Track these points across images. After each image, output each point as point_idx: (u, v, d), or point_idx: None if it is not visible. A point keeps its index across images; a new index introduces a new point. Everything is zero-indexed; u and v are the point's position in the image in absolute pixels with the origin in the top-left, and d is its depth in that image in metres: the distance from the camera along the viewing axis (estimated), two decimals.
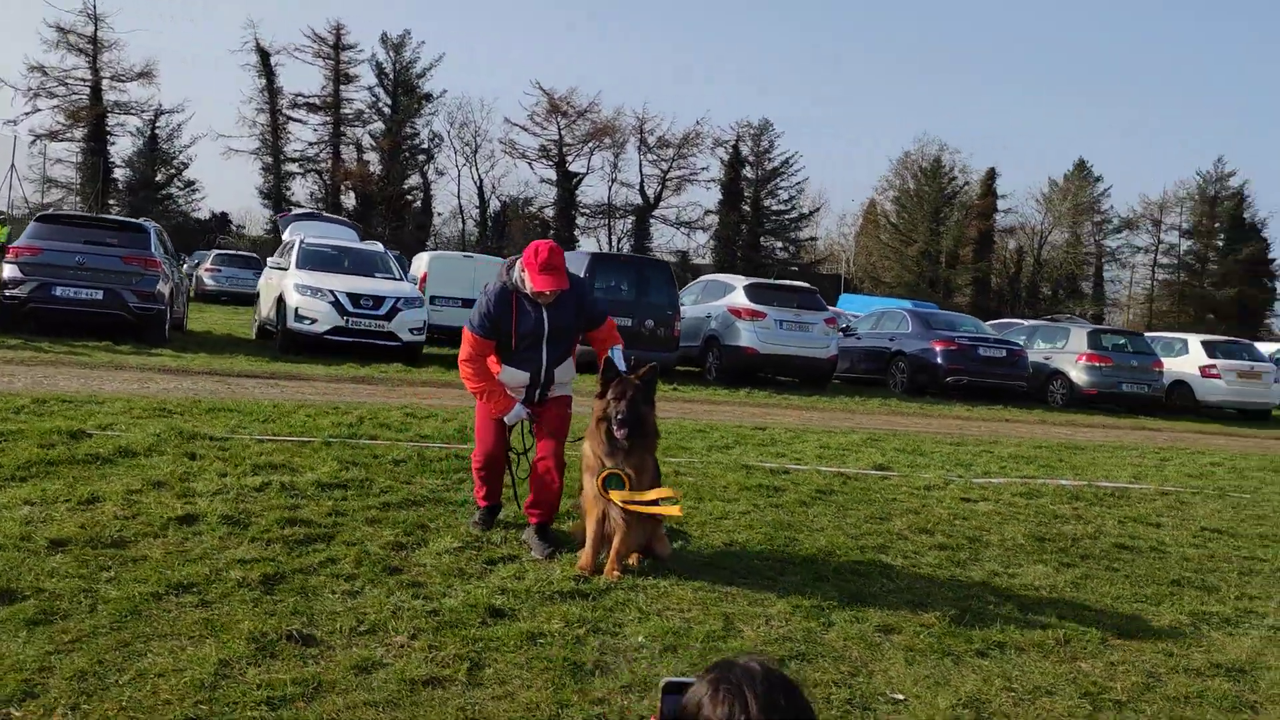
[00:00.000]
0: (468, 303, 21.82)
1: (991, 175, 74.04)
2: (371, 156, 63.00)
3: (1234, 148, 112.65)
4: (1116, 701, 4.47)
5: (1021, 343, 20.36)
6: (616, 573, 5.41)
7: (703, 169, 68.50)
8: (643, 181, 65.88)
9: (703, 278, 20.38)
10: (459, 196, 65.36)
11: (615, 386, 5.47)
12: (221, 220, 62.66)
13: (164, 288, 15.36)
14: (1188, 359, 21.32)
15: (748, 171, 70.95)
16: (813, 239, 76.65)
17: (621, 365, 5.71)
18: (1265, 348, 24.59)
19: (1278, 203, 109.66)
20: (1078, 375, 19.87)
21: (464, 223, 65.01)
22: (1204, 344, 21.70)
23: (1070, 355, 20.20)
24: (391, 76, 63.81)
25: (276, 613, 4.41)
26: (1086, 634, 5.27)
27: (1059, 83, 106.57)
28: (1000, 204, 74.69)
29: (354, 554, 5.26)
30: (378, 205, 60.17)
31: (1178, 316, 68.48)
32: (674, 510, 5.57)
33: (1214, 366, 20.88)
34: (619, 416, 5.37)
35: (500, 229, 60.27)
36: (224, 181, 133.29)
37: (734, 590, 5.35)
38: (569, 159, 63.77)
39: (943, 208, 73.05)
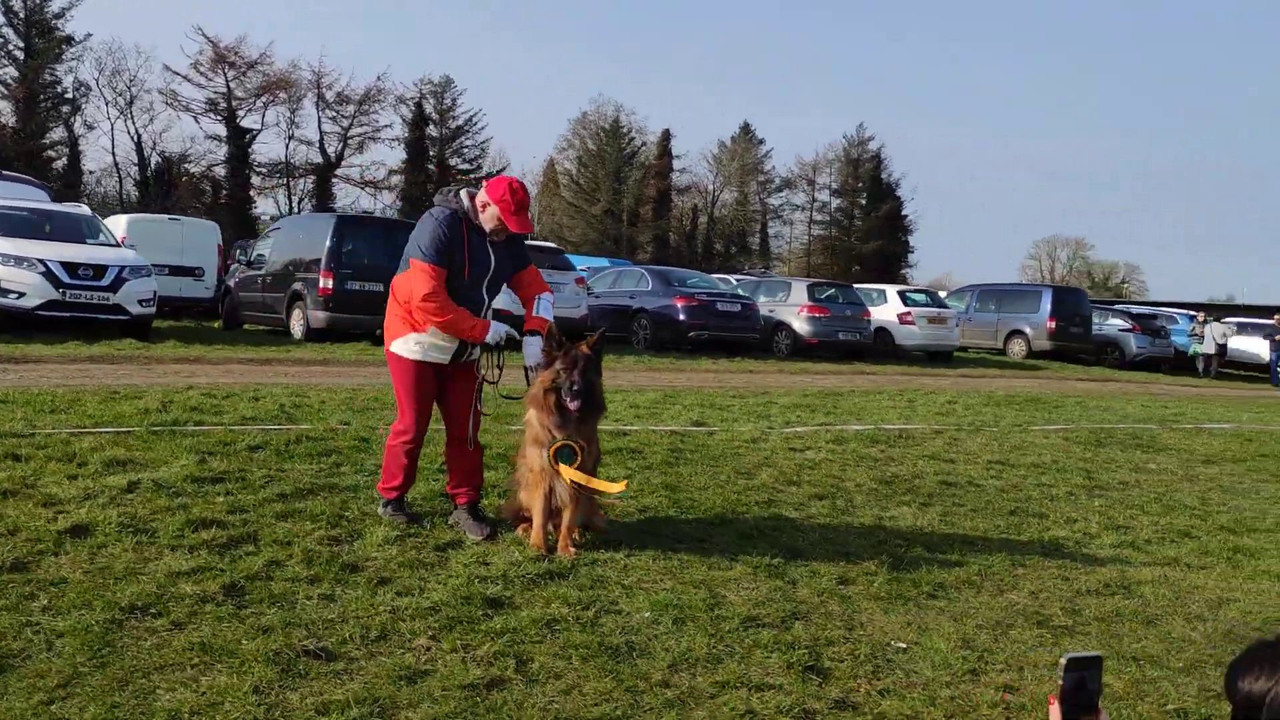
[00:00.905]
0: (177, 270, 19.98)
1: (667, 137, 77.22)
2: (3, 106, 55.42)
3: (872, 115, 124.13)
4: (1064, 628, 4.93)
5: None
6: (571, 550, 5.25)
7: (385, 126, 66.19)
8: (322, 139, 62.54)
9: None
10: (114, 152, 58.97)
11: (565, 355, 5.27)
12: None
13: None
14: (887, 308, 23.49)
15: (432, 130, 69.41)
16: None
17: (549, 314, 5.54)
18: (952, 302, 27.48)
19: (909, 165, 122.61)
20: (800, 326, 21.32)
21: (121, 181, 58.88)
22: (899, 293, 23.99)
23: (793, 308, 21.61)
24: (22, 16, 56.28)
25: (270, 628, 3.92)
26: (992, 567, 5.76)
27: (725, 53, 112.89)
28: (676, 164, 78.18)
29: (298, 554, 4.76)
30: (13, 162, 53.03)
31: (830, 269, 74.78)
32: (618, 486, 5.47)
33: (909, 314, 23.15)
34: (573, 387, 5.19)
35: (165, 188, 55.06)
36: None
37: (686, 557, 5.35)
38: (240, 114, 59.28)
39: (623, 167, 75.18)
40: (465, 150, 71.54)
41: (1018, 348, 27.40)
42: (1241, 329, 31.25)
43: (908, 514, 6.91)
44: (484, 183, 5.54)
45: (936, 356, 23.98)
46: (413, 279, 5.32)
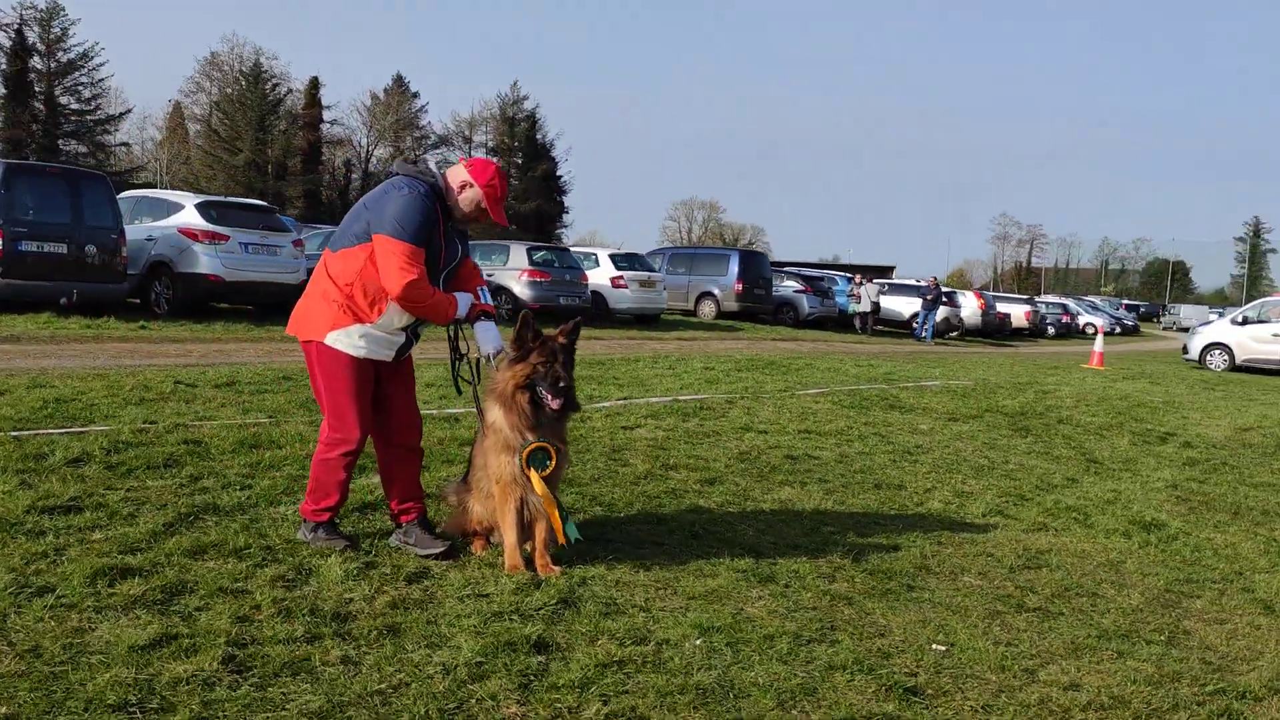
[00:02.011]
0: None
1: (315, 85, 72.94)
2: None
3: (526, 74, 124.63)
4: (1040, 610, 5.02)
5: None
6: (555, 568, 4.62)
7: None
8: None
9: (127, 193, 17.27)
10: None
11: (542, 347, 4.59)
12: None
13: None
14: (600, 271, 23.53)
15: (37, 62, 60.96)
16: (125, 144, 68.86)
17: (488, 299, 4.86)
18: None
19: (564, 125, 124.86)
20: (521, 291, 20.82)
21: None
22: (611, 257, 24.11)
23: (513, 272, 21.07)
24: None
25: (323, 715, 3.06)
26: (924, 549, 5.78)
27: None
28: (326, 115, 74.12)
29: (266, 604, 3.82)
30: None
31: (489, 228, 74.27)
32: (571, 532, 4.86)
33: (622, 278, 23.35)
34: (558, 383, 4.54)
35: None
36: None
37: (661, 566, 4.91)
38: None
39: (268, 116, 70.05)
40: (80, 89, 63.63)
41: (708, 309, 28.57)
42: (893, 290, 34.61)
43: (797, 495, 6.82)
44: (460, 160, 4.78)
45: (645, 319, 24.44)
46: (385, 261, 4.45)
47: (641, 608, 4.29)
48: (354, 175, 76.51)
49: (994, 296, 41.97)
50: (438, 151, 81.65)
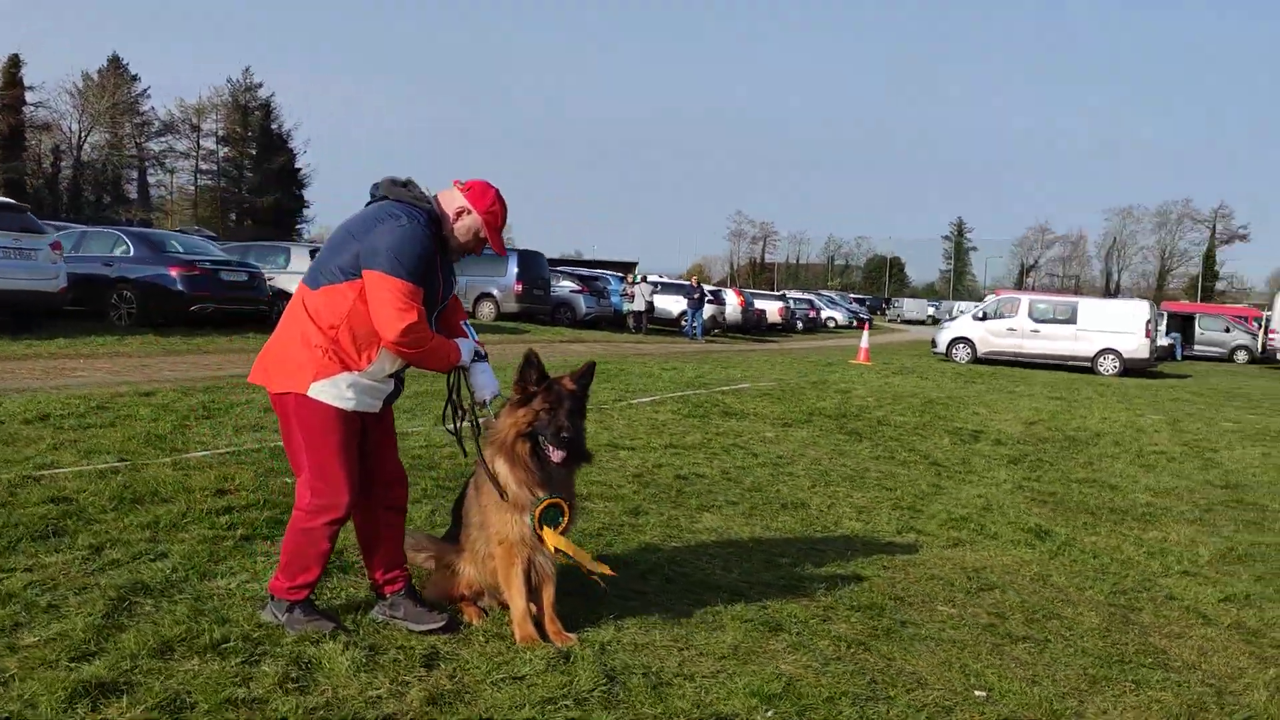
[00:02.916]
0: None
1: (16, 63, 65.76)
2: None
3: (261, 59, 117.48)
4: (1027, 638, 5.02)
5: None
6: (571, 637, 4.13)
7: None
8: None
9: None
10: None
11: (547, 392, 4.08)
12: None
13: None
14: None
15: None
16: None
17: (475, 336, 4.30)
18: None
19: (304, 114, 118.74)
20: None
21: None
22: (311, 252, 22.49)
23: (294, 276, 19.59)
24: None
25: None
26: (878, 579, 5.68)
27: None
28: (30, 96, 67.02)
29: (293, 716, 3.12)
30: None
31: (218, 223, 69.77)
32: (606, 569, 4.40)
33: None
34: (561, 434, 4.04)
35: None
36: None
37: (663, 619, 4.52)
38: None
39: None
40: None
41: (487, 310, 27.91)
42: (664, 290, 35.15)
43: (721, 522, 6.59)
44: (454, 184, 4.13)
45: None
46: (380, 301, 3.79)
47: (684, 675, 3.88)
48: (64, 164, 69.61)
49: (750, 294, 43.57)
50: (162, 140, 75.86)
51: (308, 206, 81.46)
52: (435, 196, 4.08)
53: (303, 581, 3.98)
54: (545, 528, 4.08)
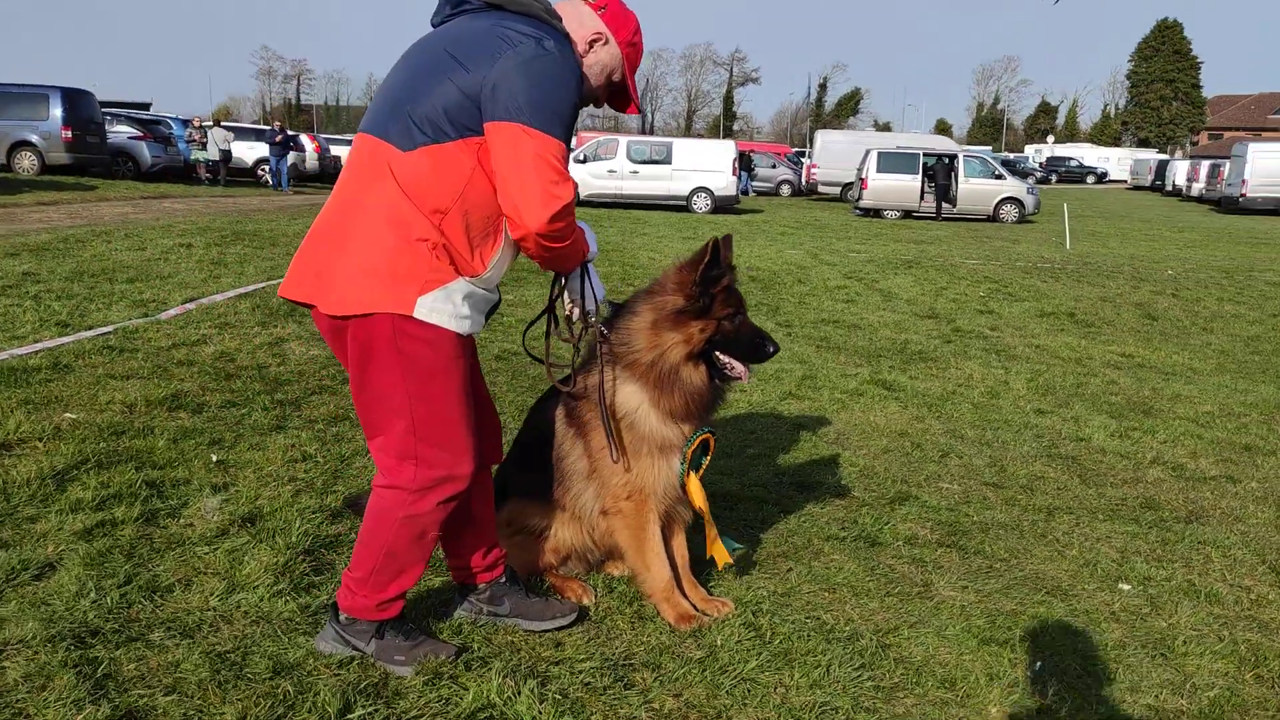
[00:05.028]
0: None
1: None
2: None
3: None
4: (1062, 590, 4.83)
5: None
6: (725, 601, 3.23)
7: None
8: None
9: None
10: None
11: (727, 296, 3.03)
12: None
13: None
14: None
15: None
16: None
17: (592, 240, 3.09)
18: None
19: None
20: None
21: None
22: None
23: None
24: None
25: None
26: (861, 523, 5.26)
27: None
28: None
29: None
30: None
31: None
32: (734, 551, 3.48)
33: None
34: (767, 347, 3.11)
35: None
36: None
37: (745, 583, 3.74)
38: None
39: None
40: None
41: (28, 162, 23.22)
42: (239, 135, 31.35)
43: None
44: (582, 3, 2.78)
45: None
46: (524, 170, 2.51)
47: (882, 627, 3.19)
48: None
49: (327, 139, 40.28)
50: None
51: None
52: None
53: (396, 591, 2.74)
54: (692, 474, 3.11)
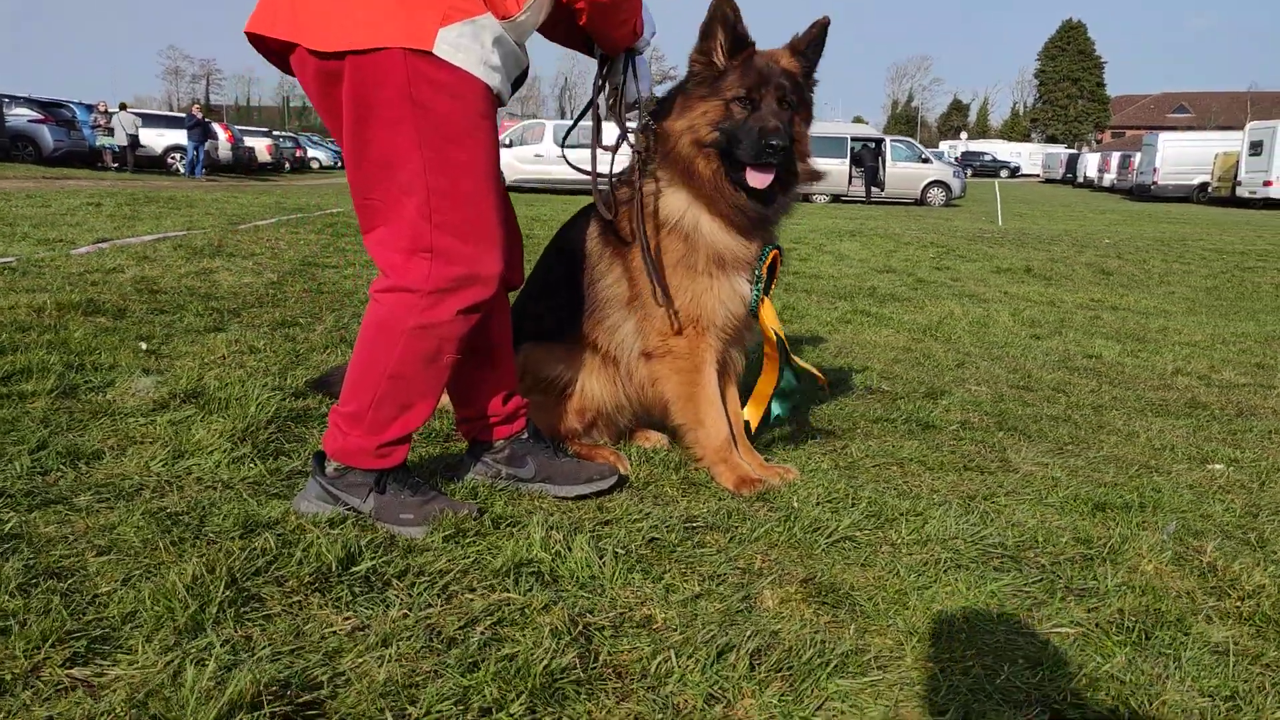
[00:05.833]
0: None
1: None
2: None
3: None
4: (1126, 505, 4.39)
5: None
6: (789, 470, 2.66)
7: None
8: None
9: None
10: None
11: (744, 70, 2.48)
12: None
13: None
14: None
15: None
16: None
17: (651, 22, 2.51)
18: None
19: None
20: None
21: None
22: None
23: None
24: None
25: None
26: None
27: None
28: None
29: None
30: None
31: None
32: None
33: None
34: (770, 142, 2.45)
35: None
36: None
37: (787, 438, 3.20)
38: None
39: None
40: None
41: None
42: (148, 122, 29.91)
43: None
44: None
45: None
46: None
47: (983, 493, 2.67)
48: None
49: (241, 130, 38.77)
50: None
51: None
52: None
53: (401, 432, 2.13)
54: (765, 300, 2.55)
